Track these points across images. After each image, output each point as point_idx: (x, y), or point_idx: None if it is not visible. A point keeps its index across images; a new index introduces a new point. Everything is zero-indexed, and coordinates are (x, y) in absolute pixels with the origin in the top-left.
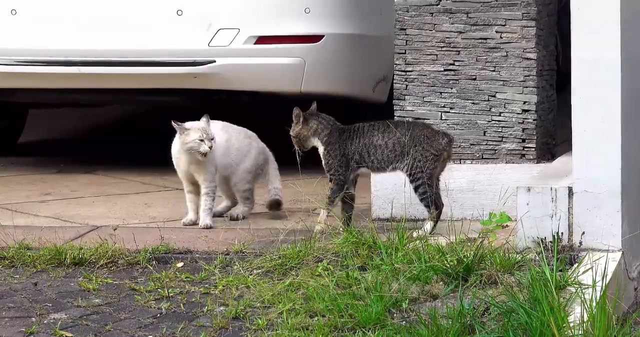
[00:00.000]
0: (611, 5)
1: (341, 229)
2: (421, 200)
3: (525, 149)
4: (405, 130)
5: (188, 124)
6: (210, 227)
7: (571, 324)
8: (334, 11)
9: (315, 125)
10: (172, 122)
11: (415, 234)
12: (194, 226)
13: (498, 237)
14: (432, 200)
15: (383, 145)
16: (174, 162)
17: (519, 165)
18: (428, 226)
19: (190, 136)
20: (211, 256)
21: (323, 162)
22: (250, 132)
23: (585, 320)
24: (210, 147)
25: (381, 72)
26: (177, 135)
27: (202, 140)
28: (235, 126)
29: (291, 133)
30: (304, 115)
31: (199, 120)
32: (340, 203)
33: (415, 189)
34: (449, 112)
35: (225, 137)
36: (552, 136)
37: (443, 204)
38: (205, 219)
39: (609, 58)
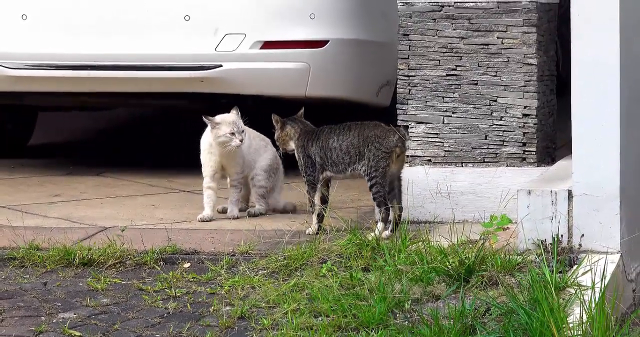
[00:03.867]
0: (610, 9)
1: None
2: (374, 199)
3: (526, 153)
4: (357, 132)
5: (218, 118)
6: (238, 218)
7: (570, 325)
8: (339, 17)
9: (289, 129)
10: (203, 117)
11: (369, 237)
12: (210, 222)
13: (499, 239)
14: (383, 200)
15: (337, 148)
16: (204, 157)
17: (520, 169)
18: (380, 226)
19: (221, 130)
20: (217, 257)
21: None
22: (264, 137)
23: (584, 321)
24: (242, 141)
25: (385, 77)
26: (207, 130)
27: (233, 134)
28: (250, 129)
29: (275, 137)
30: (281, 121)
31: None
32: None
33: (370, 188)
34: (451, 116)
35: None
36: (552, 140)
37: (402, 207)
38: (233, 210)
39: (608, 62)
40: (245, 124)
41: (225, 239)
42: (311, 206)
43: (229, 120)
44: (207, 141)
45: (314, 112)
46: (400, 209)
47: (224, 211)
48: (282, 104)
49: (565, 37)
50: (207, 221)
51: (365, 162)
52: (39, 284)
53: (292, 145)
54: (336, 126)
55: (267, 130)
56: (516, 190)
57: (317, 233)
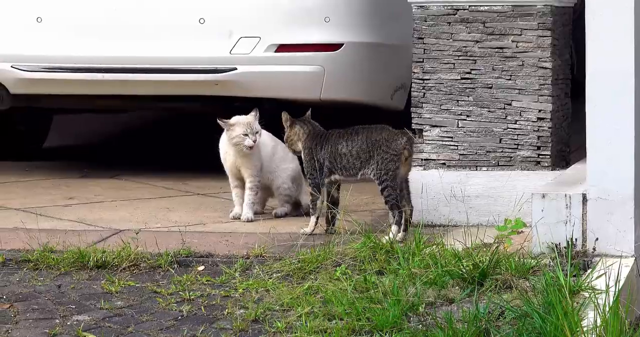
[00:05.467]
0: (625, 15)
1: (323, 228)
2: (386, 202)
3: (540, 157)
4: (364, 137)
5: (233, 120)
6: (252, 221)
7: (584, 329)
8: (354, 20)
9: (298, 130)
10: (218, 120)
11: (384, 240)
12: (225, 224)
13: (513, 243)
14: (395, 203)
15: (347, 153)
16: (222, 158)
17: (534, 172)
18: (394, 229)
19: (235, 131)
20: (231, 260)
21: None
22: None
23: (598, 324)
24: (255, 141)
25: (399, 80)
26: (224, 132)
27: (246, 135)
28: (278, 139)
29: (284, 138)
30: (291, 120)
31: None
32: (326, 205)
33: (381, 192)
34: (465, 119)
35: (272, 144)
36: (566, 144)
37: (413, 207)
38: (247, 213)
39: (622, 67)
40: (262, 127)
41: (240, 242)
42: (312, 208)
43: (243, 121)
44: (224, 142)
45: (330, 115)
46: (411, 209)
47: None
48: (298, 106)
49: (580, 41)
50: (238, 218)
51: (374, 166)
52: (53, 286)
53: (299, 146)
54: (344, 130)
55: (281, 133)
56: (530, 193)
57: (312, 233)
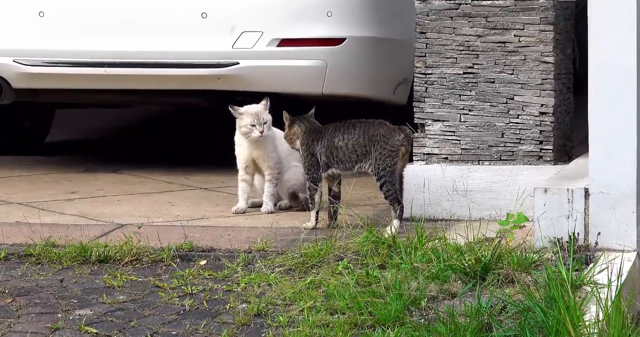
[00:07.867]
0: (627, 10)
1: (326, 223)
2: (386, 197)
3: (543, 151)
4: (362, 131)
5: (243, 109)
6: (272, 212)
7: (587, 323)
8: (356, 15)
9: (296, 128)
10: (229, 107)
11: (386, 234)
12: (243, 214)
13: (515, 237)
14: (396, 197)
15: (344, 146)
16: (236, 149)
17: (536, 167)
18: (395, 223)
19: (243, 121)
20: (234, 254)
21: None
22: None
23: (600, 319)
24: (262, 132)
25: (401, 75)
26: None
27: (253, 126)
28: None
29: (284, 136)
30: (290, 119)
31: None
32: (328, 199)
33: (380, 187)
34: (467, 114)
35: (287, 145)
36: (568, 138)
37: (403, 204)
38: (267, 205)
39: (625, 62)
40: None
41: (242, 236)
42: (311, 203)
43: (252, 111)
44: (239, 135)
45: (334, 112)
46: (401, 206)
47: (253, 206)
48: (302, 101)
49: (582, 35)
50: (241, 213)
51: (372, 161)
52: (55, 281)
53: (298, 143)
54: (340, 124)
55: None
56: (533, 188)
57: (314, 227)
